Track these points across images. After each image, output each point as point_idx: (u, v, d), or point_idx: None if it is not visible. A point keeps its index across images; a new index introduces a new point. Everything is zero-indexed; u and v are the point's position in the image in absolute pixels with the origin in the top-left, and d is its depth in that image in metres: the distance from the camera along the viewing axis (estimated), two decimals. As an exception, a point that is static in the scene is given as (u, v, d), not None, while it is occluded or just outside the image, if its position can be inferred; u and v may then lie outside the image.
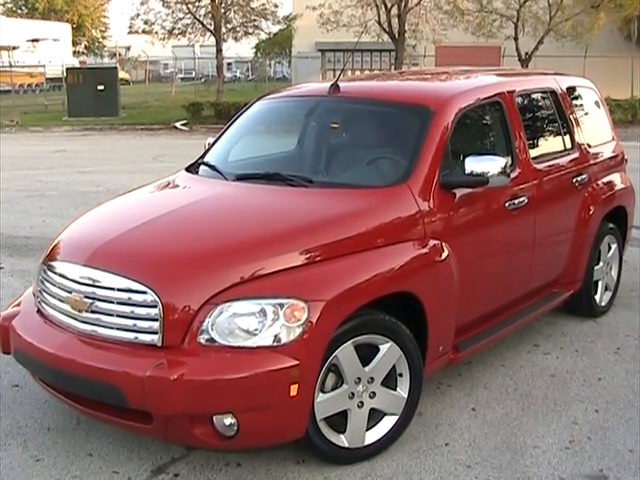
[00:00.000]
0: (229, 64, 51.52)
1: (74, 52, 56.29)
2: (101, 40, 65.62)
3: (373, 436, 3.86)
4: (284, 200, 4.23)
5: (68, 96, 28.80)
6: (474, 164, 4.26)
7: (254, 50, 47.89)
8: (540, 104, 5.54)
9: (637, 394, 4.62)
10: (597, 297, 5.91)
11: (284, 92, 5.55)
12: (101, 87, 27.94)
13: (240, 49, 40.49)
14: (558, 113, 5.55)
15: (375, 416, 3.86)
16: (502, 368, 5.00)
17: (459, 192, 4.32)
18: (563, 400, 4.54)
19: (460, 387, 4.71)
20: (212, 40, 29.79)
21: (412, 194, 4.12)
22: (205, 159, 5.11)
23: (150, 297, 3.46)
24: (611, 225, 5.96)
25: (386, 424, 3.89)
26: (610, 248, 6.03)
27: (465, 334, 4.52)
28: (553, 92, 5.59)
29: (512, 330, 5.04)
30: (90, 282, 3.65)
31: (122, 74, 41.19)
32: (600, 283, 5.93)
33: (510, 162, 4.67)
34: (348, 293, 3.60)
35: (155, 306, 3.45)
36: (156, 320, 3.46)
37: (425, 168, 4.22)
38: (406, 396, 3.93)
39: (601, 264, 5.90)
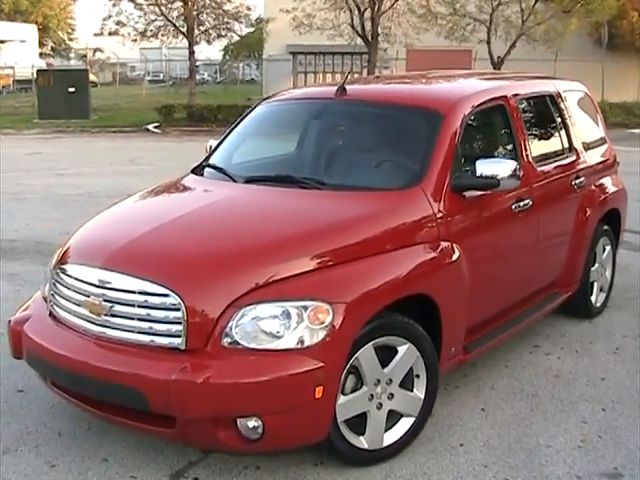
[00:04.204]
0: (197, 66, 51.10)
1: (40, 54, 55.57)
2: (68, 42, 64.90)
3: (391, 437, 3.87)
4: (299, 202, 4.23)
5: (38, 98, 28.39)
6: (485, 167, 4.30)
7: (222, 52, 47.60)
8: (541, 108, 5.59)
9: (641, 393, 4.70)
10: (593, 298, 5.99)
11: (288, 94, 5.54)
12: (72, 89, 27.61)
13: (208, 51, 40.24)
14: (557, 116, 5.63)
15: (392, 417, 3.87)
16: (506, 369, 5.04)
17: (469, 195, 4.36)
18: (570, 400, 4.59)
19: (467, 388, 4.74)
20: (182, 42, 29.64)
21: (426, 196, 4.15)
22: (210, 161, 5.08)
23: (173, 300, 3.44)
24: (606, 227, 6.04)
25: (403, 425, 3.91)
26: (605, 250, 6.12)
27: (473, 336, 4.56)
28: (552, 96, 5.66)
29: (517, 331, 5.08)
30: (108, 285, 3.62)
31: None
32: (596, 284, 6.01)
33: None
34: (370, 295, 3.62)
35: (178, 309, 3.43)
36: (178, 323, 3.43)
37: (437, 170, 4.25)
38: (423, 397, 3.96)
39: (597, 265, 5.99)
